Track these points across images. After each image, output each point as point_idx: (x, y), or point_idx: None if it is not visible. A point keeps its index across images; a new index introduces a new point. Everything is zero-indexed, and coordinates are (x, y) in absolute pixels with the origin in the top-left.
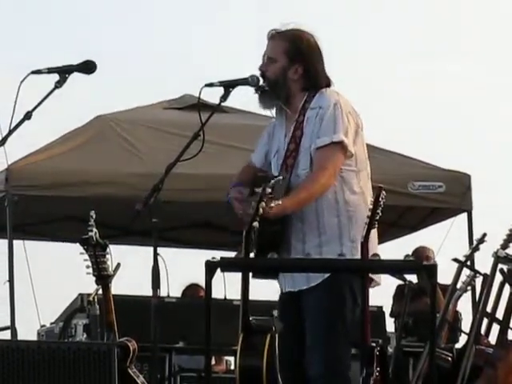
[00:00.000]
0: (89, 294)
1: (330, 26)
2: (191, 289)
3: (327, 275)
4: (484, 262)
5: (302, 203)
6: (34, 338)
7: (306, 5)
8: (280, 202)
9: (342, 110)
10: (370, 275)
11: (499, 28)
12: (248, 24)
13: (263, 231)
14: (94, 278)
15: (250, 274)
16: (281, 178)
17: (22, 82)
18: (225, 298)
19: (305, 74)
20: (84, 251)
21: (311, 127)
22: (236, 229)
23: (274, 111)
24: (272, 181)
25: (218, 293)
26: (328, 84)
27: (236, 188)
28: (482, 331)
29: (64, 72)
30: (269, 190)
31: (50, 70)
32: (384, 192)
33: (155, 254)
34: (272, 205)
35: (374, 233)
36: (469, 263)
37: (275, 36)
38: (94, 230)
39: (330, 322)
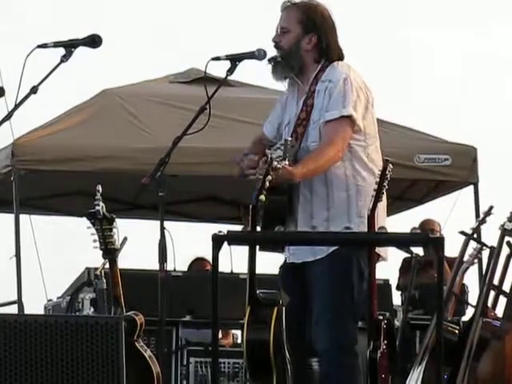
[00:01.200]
0: (96, 268)
1: None
2: (197, 263)
3: (333, 248)
4: (491, 234)
5: (309, 174)
6: (41, 312)
7: None
8: (288, 163)
9: (351, 85)
10: (377, 252)
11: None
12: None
13: (270, 201)
14: (100, 252)
15: (257, 248)
16: (289, 138)
17: (27, 56)
18: (231, 272)
19: (318, 45)
20: (91, 225)
21: (321, 100)
22: (243, 202)
23: (285, 83)
24: (279, 143)
25: (224, 266)
26: (341, 57)
27: (248, 156)
28: (489, 304)
29: (70, 46)
30: (276, 154)
31: (56, 44)
32: (391, 165)
33: (162, 228)
34: (280, 166)
35: (381, 206)
36: (475, 236)
37: (289, 7)
38: (101, 204)
39: (336, 296)
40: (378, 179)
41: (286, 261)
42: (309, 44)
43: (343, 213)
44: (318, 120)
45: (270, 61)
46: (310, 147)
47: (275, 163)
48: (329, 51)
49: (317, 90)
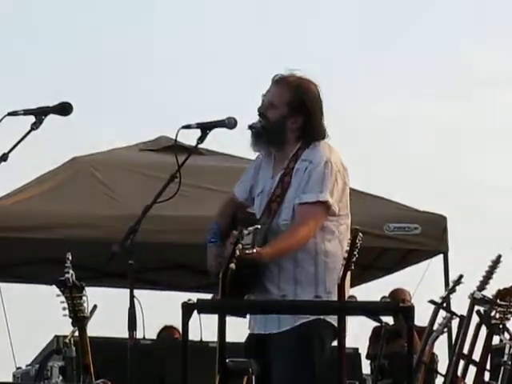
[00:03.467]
0: (65, 336)
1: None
2: (166, 331)
3: (298, 323)
4: (461, 303)
5: (278, 254)
6: (10, 380)
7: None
8: (255, 250)
9: (331, 169)
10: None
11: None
12: (225, 66)
13: (238, 273)
14: (70, 320)
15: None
16: (259, 227)
17: None
18: (201, 340)
19: (304, 126)
20: (60, 293)
21: (298, 180)
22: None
23: (262, 152)
24: (250, 228)
25: (194, 335)
26: (324, 136)
27: (213, 246)
28: (459, 373)
29: (40, 114)
30: (245, 232)
31: (26, 112)
32: (361, 234)
33: (131, 296)
34: (248, 252)
35: (348, 275)
36: (445, 305)
37: (280, 82)
38: (71, 271)
39: (297, 371)
40: (347, 248)
41: (251, 331)
42: (294, 124)
43: (310, 288)
44: (293, 199)
45: (250, 127)
46: (281, 225)
47: (240, 246)
48: (313, 133)
49: (296, 168)
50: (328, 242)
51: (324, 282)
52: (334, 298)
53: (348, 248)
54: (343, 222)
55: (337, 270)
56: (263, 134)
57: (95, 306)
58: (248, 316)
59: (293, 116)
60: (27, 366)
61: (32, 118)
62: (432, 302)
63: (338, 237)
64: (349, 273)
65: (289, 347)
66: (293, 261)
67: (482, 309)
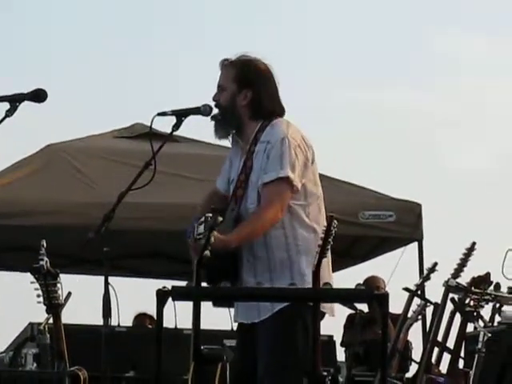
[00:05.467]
0: (39, 323)
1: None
2: (138, 318)
3: (277, 308)
4: (435, 291)
5: (245, 238)
6: None
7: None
8: (215, 237)
9: (289, 145)
10: (321, 309)
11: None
12: (199, 52)
13: (213, 262)
14: (44, 307)
15: (210, 303)
16: (210, 215)
17: None
18: (175, 327)
19: (253, 100)
20: (35, 280)
21: (259, 162)
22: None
23: (229, 140)
24: (204, 217)
25: (168, 322)
26: (281, 112)
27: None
28: (433, 360)
29: (15, 101)
30: (220, 219)
31: (1, 99)
32: (335, 221)
33: (106, 283)
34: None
35: (325, 262)
36: (419, 292)
37: (226, 65)
38: (45, 258)
39: (280, 359)
40: (322, 235)
41: (236, 321)
42: (244, 100)
43: (286, 274)
44: (257, 182)
45: (212, 118)
46: (249, 209)
47: (215, 233)
48: (264, 106)
49: (256, 150)
50: (297, 225)
51: (298, 265)
52: (309, 280)
53: (323, 234)
54: (311, 201)
55: (311, 251)
56: (220, 119)
57: (69, 293)
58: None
59: (241, 92)
60: (1, 353)
61: (6, 105)
62: (406, 289)
63: (307, 218)
64: (329, 258)
65: (271, 333)
66: (265, 248)
67: (456, 296)
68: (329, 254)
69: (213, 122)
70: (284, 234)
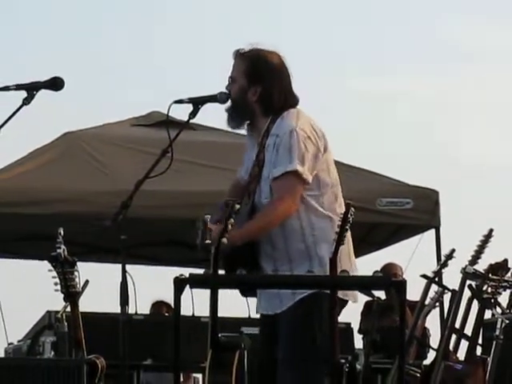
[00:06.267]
0: (57, 312)
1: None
2: (156, 306)
3: (298, 298)
4: (452, 278)
5: (253, 234)
6: (2, 355)
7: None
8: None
9: (297, 137)
10: (343, 297)
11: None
12: (220, 41)
13: (232, 251)
14: (62, 295)
15: (228, 291)
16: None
17: None
18: (193, 315)
19: (264, 96)
20: (52, 268)
21: (270, 156)
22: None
23: (244, 130)
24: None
25: (186, 309)
26: (293, 103)
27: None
28: (451, 347)
29: (32, 89)
30: (237, 207)
31: (18, 87)
32: (353, 208)
33: (123, 271)
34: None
35: (345, 250)
36: (437, 279)
37: (238, 56)
38: (63, 247)
39: (300, 348)
40: (339, 223)
41: (259, 312)
42: (254, 96)
43: (305, 263)
44: (268, 176)
45: (226, 110)
46: (264, 204)
47: (232, 220)
48: (273, 102)
49: (267, 144)
50: (313, 216)
51: (316, 254)
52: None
53: (340, 222)
54: (325, 190)
55: (329, 240)
56: (232, 111)
57: (87, 281)
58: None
59: (250, 88)
60: (19, 341)
61: (24, 93)
62: (424, 276)
63: (322, 207)
64: (350, 246)
65: (292, 322)
66: (283, 239)
67: (473, 283)
68: (350, 241)
69: (227, 112)
70: (300, 224)
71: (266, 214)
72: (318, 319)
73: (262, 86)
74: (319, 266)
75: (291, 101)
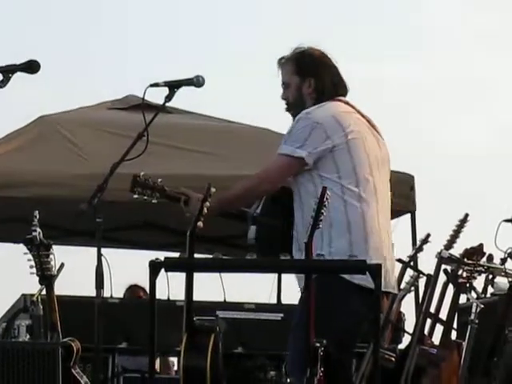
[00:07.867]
0: (32, 295)
1: None
2: (130, 290)
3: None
4: (428, 262)
5: (230, 202)
6: None
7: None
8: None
9: (303, 123)
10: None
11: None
12: (195, 23)
13: (261, 227)
14: (37, 278)
15: (203, 274)
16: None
17: None
18: (168, 299)
19: (317, 86)
20: (28, 251)
21: None
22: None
23: None
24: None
25: (161, 293)
26: (343, 93)
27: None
28: (426, 332)
29: (7, 71)
30: (213, 190)
31: None
32: (329, 192)
33: (99, 255)
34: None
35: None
36: (412, 264)
37: (283, 63)
38: (38, 229)
39: (296, 323)
40: (314, 206)
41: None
42: (309, 87)
43: (318, 245)
44: None
45: (292, 115)
46: None
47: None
48: (326, 90)
49: None
50: (348, 198)
51: (328, 237)
52: (336, 251)
53: (315, 206)
54: (345, 182)
55: (342, 223)
56: (295, 112)
57: (62, 264)
58: None
59: (305, 81)
60: None
61: None
62: (399, 260)
63: (343, 202)
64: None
65: (301, 303)
66: (302, 222)
67: (449, 268)
68: (339, 224)
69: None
70: (329, 222)
71: (243, 184)
72: (319, 302)
73: (313, 77)
74: (327, 249)
75: (341, 90)
